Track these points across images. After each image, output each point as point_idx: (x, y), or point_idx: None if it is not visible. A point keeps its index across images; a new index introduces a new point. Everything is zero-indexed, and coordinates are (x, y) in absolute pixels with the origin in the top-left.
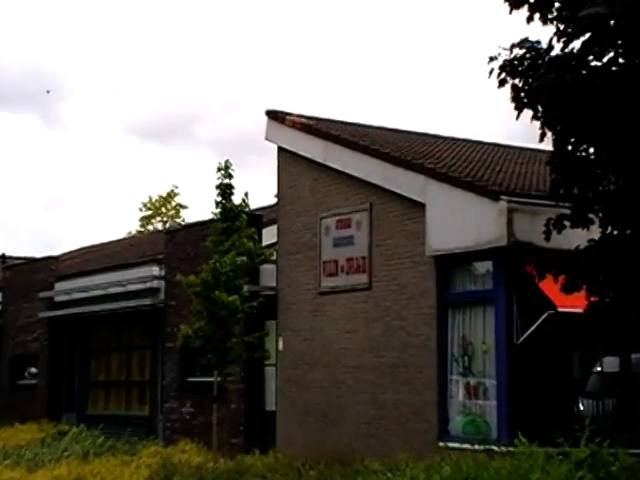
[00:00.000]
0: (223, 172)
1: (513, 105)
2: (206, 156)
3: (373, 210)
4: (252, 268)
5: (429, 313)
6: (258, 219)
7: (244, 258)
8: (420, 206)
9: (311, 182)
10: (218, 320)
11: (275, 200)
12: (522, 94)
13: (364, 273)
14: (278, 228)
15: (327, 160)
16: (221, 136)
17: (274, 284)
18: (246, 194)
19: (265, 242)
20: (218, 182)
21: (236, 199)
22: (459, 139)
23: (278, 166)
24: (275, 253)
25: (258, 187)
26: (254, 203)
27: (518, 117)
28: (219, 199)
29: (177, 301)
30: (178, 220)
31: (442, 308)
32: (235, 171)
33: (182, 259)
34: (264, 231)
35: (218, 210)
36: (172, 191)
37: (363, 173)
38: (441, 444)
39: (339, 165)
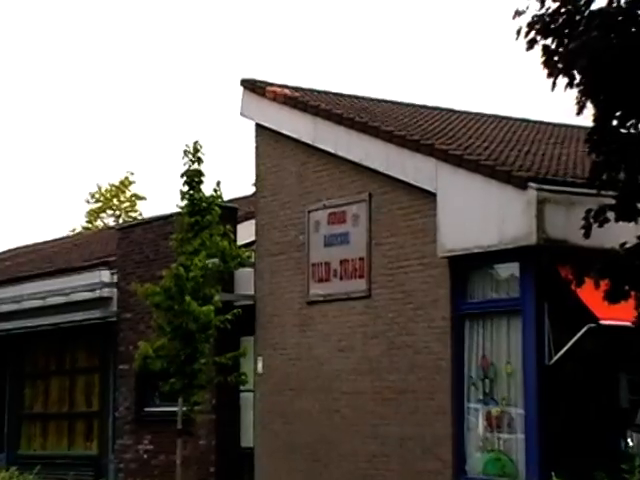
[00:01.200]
0: (191, 156)
1: (545, 71)
2: (169, 137)
3: (373, 201)
4: (225, 273)
5: (441, 327)
6: (233, 213)
7: (216, 260)
8: (430, 196)
9: (297, 167)
10: (184, 336)
11: (253, 190)
12: (556, 57)
13: (362, 278)
14: (257, 224)
15: (317, 140)
16: (189, 112)
17: (252, 292)
18: (218, 183)
19: (241, 241)
20: (184, 168)
21: (207, 189)
22: (478, 114)
23: (256, 148)
24: (253, 254)
25: (233, 174)
26: (229, 193)
27: (554, 87)
28: (185, 189)
29: (133, 313)
30: (134, 214)
31: (457, 321)
32: (205, 155)
33: (139, 262)
34: (240, 227)
35: (184, 202)
36: (126, 179)
37: (361, 156)
38: None
39: (331, 146)
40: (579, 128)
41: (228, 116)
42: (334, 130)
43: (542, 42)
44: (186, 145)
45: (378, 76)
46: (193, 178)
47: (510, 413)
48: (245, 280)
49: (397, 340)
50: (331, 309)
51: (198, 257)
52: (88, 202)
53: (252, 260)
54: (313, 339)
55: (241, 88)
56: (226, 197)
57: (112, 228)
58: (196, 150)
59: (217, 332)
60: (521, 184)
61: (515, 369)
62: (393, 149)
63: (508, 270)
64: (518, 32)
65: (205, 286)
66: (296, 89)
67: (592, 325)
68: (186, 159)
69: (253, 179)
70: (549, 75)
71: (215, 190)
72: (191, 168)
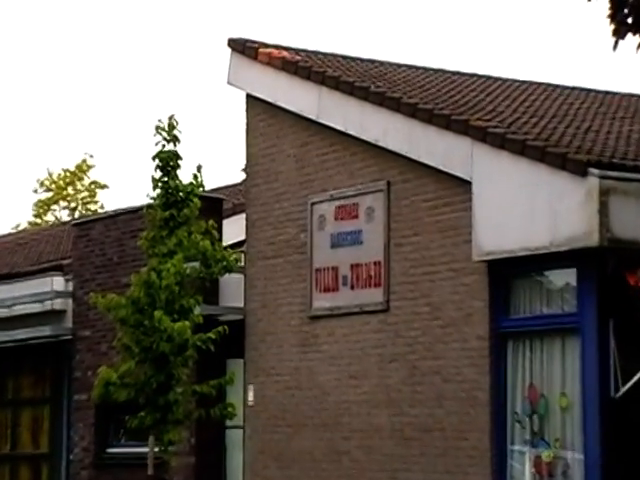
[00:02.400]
0: (165, 134)
1: (611, 28)
2: (137, 111)
3: (392, 191)
4: (208, 280)
5: (477, 349)
6: (218, 205)
7: (196, 265)
8: (464, 185)
9: (297, 149)
10: (156, 360)
11: (243, 177)
12: (626, 10)
13: (378, 287)
14: (247, 219)
15: (322, 115)
16: (163, 80)
17: (241, 304)
18: (199, 168)
19: (228, 240)
20: (157, 149)
21: (184, 175)
22: (524, 82)
23: (247, 125)
24: (243, 257)
25: (218, 157)
26: (212, 181)
27: (616, 46)
28: (158, 175)
29: (92, 331)
30: (93, 206)
31: (497, 341)
32: (183, 133)
33: (100, 266)
34: (226, 223)
35: (156, 192)
36: (84, 163)
37: (377, 135)
38: None
39: (340, 123)
40: None
41: (212, 85)
42: (343, 102)
43: None
44: (159, 120)
45: (397, 36)
46: (167, 162)
47: (565, 458)
48: (232, 289)
49: (421, 365)
50: (339, 326)
51: (173, 260)
52: (36, 192)
53: (241, 264)
54: (317, 363)
55: (228, 50)
56: (209, 186)
57: (66, 224)
58: (171, 127)
59: (197, 354)
60: (579, 170)
61: (572, 402)
62: (417, 126)
63: (563, 278)
64: None
65: (182, 297)
66: (296, 51)
67: None
68: (159, 138)
69: (243, 163)
70: (615, 33)
71: (195, 177)
72: (165, 149)
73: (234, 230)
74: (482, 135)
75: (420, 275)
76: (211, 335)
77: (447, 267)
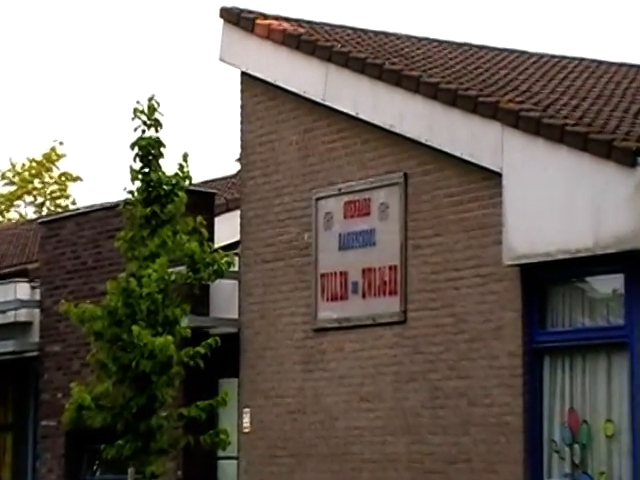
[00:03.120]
0: (145, 118)
1: None
2: (114, 93)
3: (409, 185)
4: (197, 287)
5: (509, 367)
6: (208, 201)
7: (182, 269)
8: (493, 178)
9: (300, 135)
10: (136, 379)
11: (237, 168)
12: None
13: (393, 296)
14: (242, 216)
15: (329, 97)
16: (145, 60)
17: (235, 315)
18: (185, 157)
19: (220, 241)
20: (136, 137)
21: (169, 166)
22: (561, 57)
23: (242, 108)
24: (237, 260)
25: (208, 145)
26: (202, 173)
27: None
28: (138, 166)
29: (63, 346)
30: (64, 202)
31: (532, 358)
32: (167, 116)
33: (72, 271)
34: (218, 221)
35: (136, 185)
36: (53, 152)
37: (392, 120)
38: None
39: (350, 106)
40: None
41: (201, 62)
42: (354, 82)
43: None
44: (137, 102)
45: (415, 4)
46: (148, 150)
47: None
48: (225, 298)
49: (444, 386)
50: (349, 340)
51: (156, 265)
52: None
53: (235, 269)
54: (323, 383)
55: (220, 21)
56: (198, 178)
57: (32, 222)
58: (152, 109)
59: (185, 372)
60: (627, 159)
61: (619, 430)
62: (439, 109)
63: (608, 284)
64: None
65: (167, 307)
66: (299, 23)
67: None
68: (138, 122)
69: (237, 153)
70: None
71: (181, 167)
72: (145, 136)
73: (227, 229)
74: (514, 119)
75: (442, 282)
76: (200, 349)
77: (473, 272)
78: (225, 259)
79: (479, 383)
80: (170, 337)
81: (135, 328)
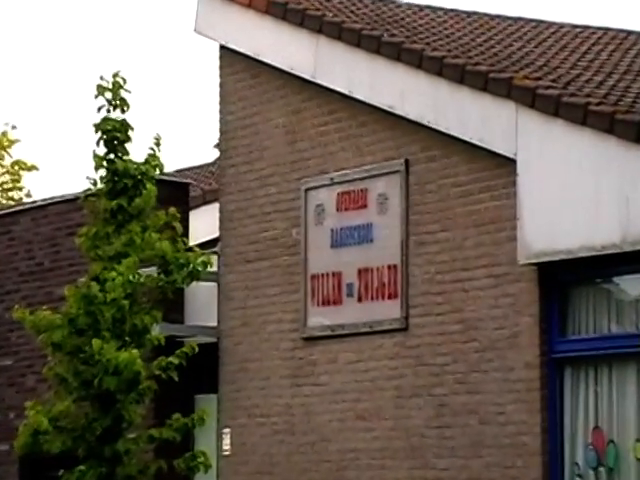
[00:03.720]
0: (110, 96)
1: None
2: (78, 72)
3: (412, 173)
4: (170, 291)
5: (525, 379)
6: (182, 193)
7: (153, 271)
8: (507, 165)
9: (287, 117)
10: (100, 397)
11: (215, 154)
12: None
13: (393, 299)
14: (222, 210)
15: (319, 74)
16: (111, 32)
17: (214, 322)
18: (157, 141)
19: (196, 238)
20: (100, 118)
21: (137, 152)
22: (583, 27)
23: (221, 86)
24: (216, 261)
25: (183, 129)
26: (175, 161)
27: None
28: (102, 152)
29: (15, 359)
30: (17, 194)
31: (552, 369)
32: (134, 94)
33: (26, 273)
34: (193, 216)
35: (100, 175)
36: (4, 136)
37: (392, 99)
38: None
39: (343, 84)
40: None
41: (175, 34)
42: (348, 57)
43: None
44: (101, 78)
45: None
46: (114, 134)
47: None
48: (202, 303)
49: (452, 401)
50: (343, 350)
51: (122, 266)
52: None
53: (214, 270)
54: (314, 399)
55: None
56: (171, 166)
57: None
58: (118, 87)
59: (157, 388)
60: None
61: None
62: (445, 87)
63: (638, 286)
64: None
65: (135, 314)
66: None
67: None
68: (102, 101)
69: (215, 137)
70: None
71: (152, 154)
72: (110, 117)
73: (204, 225)
74: (530, 98)
75: (449, 283)
76: (173, 360)
77: (485, 272)
78: (201, 259)
79: (492, 399)
80: (136, 351)
81: (96, 342)
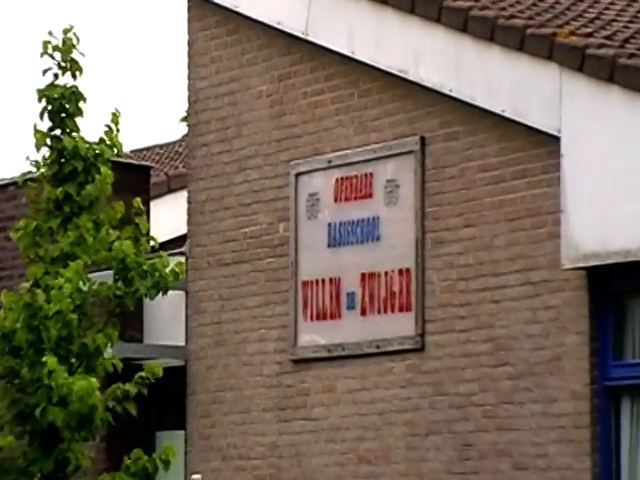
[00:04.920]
0: (59, 58)
1: None
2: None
3: (429, 154)
4: (130, 303)
5: (571, 413)
6: (140, 178)
7: (107, 277)
8: (548, 143)
9: (273, 84)
10: (42, 434)
11: (183, 131)
12: None
13: (405, 312)
14: (190, 200)
15: (312, 30)
16: None
17: (180, 342)
18: (115, 117)
19: (157, 236)
20: (46, 84)
21: (89, 129)
22: None
23: (190, 44)
24: (183, 263)
25: (141, 101)
26: (130, 138)
27: None
28: (46, 127)
29: None
30: None
31: (605, 400)
32: (88, 56)
33: None
34: (154, 207)
35: (43, 155)
36: None
37: (403, 62)
38: None
39: (343, 43)
40: None
41: None
42: (348, 8)
43: None
44: (49, 34)
45: None
46: (62, 104)
47: None
48: (166, 316)
49: (478, 440)
50: (342, 375)
51: (70, 270)
52: None
53: (180, 275)
54: (306, 437)
55: None
56: (127, 145)
57: None
58: (69, 46)
59: (112, 420)
60: None
61: None
62: (470, 47)
63: None
64: None
65: (85, 330)
66: None
67: None
68: (48, 63)
69: (183, 109)
70: None
71: (107, 131)
72: (58, 83)
73: (168, 219)
74: (578, 59)
75: (475, 292)
76: (130, 389)
77: (520, 279)
78: (163, 261)
79: (528, 437)
80: (94, 380)
81: (50, 361)
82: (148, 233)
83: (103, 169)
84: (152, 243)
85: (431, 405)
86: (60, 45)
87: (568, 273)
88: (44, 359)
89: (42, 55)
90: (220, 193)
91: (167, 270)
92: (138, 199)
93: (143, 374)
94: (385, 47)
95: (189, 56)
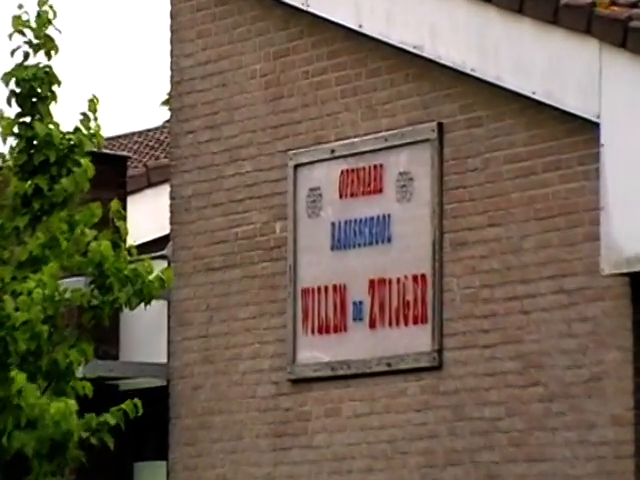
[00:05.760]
0: (32, 35)
1: None
2: None
3: (447, 142)
4: (106, 314)
5: (613, 442)
6: (116, 171)
7: (80, 284)
8: (585, 130)
9: (268, 63)
10: (6, 465)
11: (165, 116)
12: None
13: (422, 325)
14: (173, 196)
15: (313, 1)
16: None
17: (162, 358)
18: (93, 103)
19: (134, 238)
20: (15, 64)
21: (64, 114)
22: None
23: (173, 17)
24: (172, 270)
25: (118, 83)
26: (107, 126)
27: None
28: (14, 113)
29: None
30: None
31: None
32: (64, 34)
33: None
34: (132, 203)
35: (10, 144)
36: None
37: (418, 37)
38: None
39: (349, 15)
40: None
41: None
42: None
43: None
44: (19, 7)
45: None
46: (33, 86)
47: None
48: (145, 329)
49: (505, 472)
50: (348, 397)
51: (45, 274)
52: None
53: (167, 283)
54: (306, 468)
55: None
56: (105, 132)
57: None
58: (44, 21)
59: (87, 453)
60: None
61: None
62: (495, 19)
63: None
64: None
65: (56, 345)
66: None
67: None
68: (18, 41)
69: (165, 91)
70: None
71: (83, 119)
72: (29, 63)
73: (147, 217)
74: (620, 33)
75: (502, 301)
76: (108, 419)
77: (553, 286)
78: (160, 272)
79: (563, 469)
80: (73, 402)
81: (19, 377)
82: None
83: (84, 161)
84: (133, 254)
85: (450, 431)
86: (33, 20)
87: (608, 280)
88: (11, 375)
89: (11, 36)
90: (208, 187)
91: (151, 277)
92: (116, 201)
93: (124, 406)
94: (397, 20)
95: (172, 30)
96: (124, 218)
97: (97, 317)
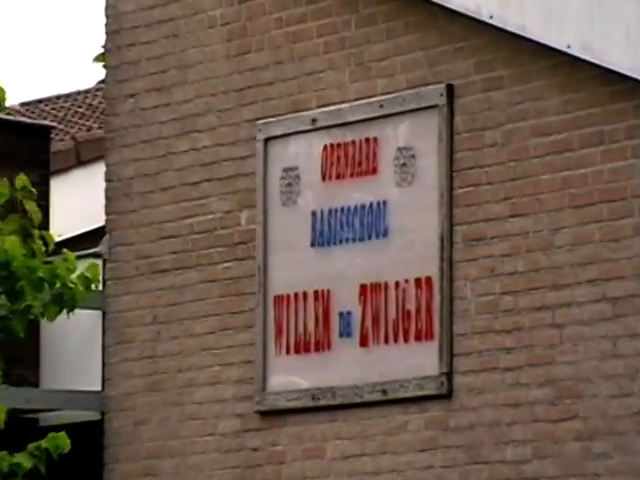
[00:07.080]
0: None
1: None
2: None
3: (459, 109)
4: (20, 328)
5: None
6: (35, 144)
7: None
8: (634, 93)
9: (231, 7)
10: None
11: (99, 76)
12: None
13: (427, 341)
14: (109, 178)
15: None
16: None
17: (95, 386)
18: None
19: (59, 231)
20: None
21: None
22: None
23: None
24: (99, 267)
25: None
26: (19, 86)
27: None
28: None
29: None
30: None
31: None
32: None
33: None
34: (55, 187)
35: None
36: None
37: None
38: None
39: None
40: None
41: None
42: None
43: None
44: None
45: None
46: None
47: None
48: (74, 348)
49: None
50: (334, 434)
51: None
52: None
53: (95, 287)
54: None
55: None
56: (20, 96)
57: None
58: None
59: None
60: None
61: None
62: None
63: None
64: None
65: None
66: None
67: None
68: None
69: (98, 44)
70: None
71: None
72: None
73: (76, 204)
74: None
75: (527, 312)
76: (23, 461)
77: (593, 293)
78: (84, 270)
79: None
80: None
81: None
82: (46, 226)
83: None
84: (50, 243)
85: (463, 477)
86: None
87: None
88: None
89: None
90: (154, 167)
91: (74, 277)
92: (23, 177)
93: (43, 444)
94: None
95: None
96: (34, 197)
97: (6, 331)
